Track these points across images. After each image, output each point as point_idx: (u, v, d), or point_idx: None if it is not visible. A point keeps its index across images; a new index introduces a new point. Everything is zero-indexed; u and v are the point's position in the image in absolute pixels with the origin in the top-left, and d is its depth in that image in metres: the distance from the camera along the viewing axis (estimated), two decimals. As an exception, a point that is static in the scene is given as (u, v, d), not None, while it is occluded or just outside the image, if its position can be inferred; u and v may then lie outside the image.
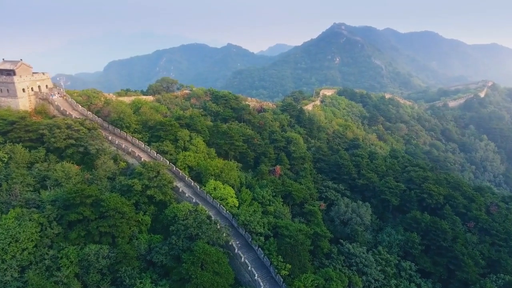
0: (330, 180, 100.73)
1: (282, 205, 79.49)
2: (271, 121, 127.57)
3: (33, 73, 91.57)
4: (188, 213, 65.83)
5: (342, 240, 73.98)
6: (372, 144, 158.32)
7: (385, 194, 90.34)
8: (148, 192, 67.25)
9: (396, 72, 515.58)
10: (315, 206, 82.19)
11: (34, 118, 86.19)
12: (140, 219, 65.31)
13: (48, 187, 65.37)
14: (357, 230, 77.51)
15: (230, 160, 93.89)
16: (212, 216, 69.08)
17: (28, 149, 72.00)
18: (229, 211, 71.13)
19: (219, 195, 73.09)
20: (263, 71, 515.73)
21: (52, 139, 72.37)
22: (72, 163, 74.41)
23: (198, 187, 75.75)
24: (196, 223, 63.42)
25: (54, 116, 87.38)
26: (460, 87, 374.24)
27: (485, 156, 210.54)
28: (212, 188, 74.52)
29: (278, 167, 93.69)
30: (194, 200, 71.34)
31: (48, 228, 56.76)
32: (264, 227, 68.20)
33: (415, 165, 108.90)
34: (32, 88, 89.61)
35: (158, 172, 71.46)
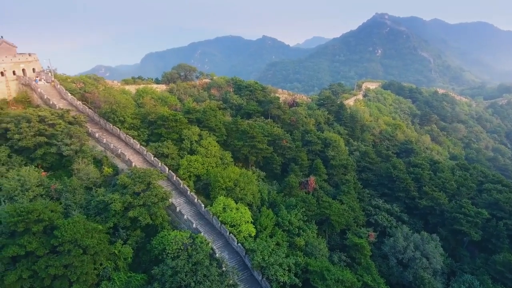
0: (380, 197, 77.33)
1: (317, 234, 58.00)
2: (305, 117, 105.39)
3: (18, 54, 76.04)
4: (182, 247, 46.38)
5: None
6: (427, 148, 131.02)
7: (460, 224, 65.64)
8: (131, 214, 48.52)
9: (446, 65, 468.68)
10: (362, 238, 59.86)
11: (13, 108, 70.82)
12: (116, 251, 46.76)
13: (1, 201, 48.45)
14: (423, 278, 54.39)
15: (250, 167, 73.54)
16: (217, 249, 49.23)
17: (-12, 147, 55.87)
18: (242, 243, 50.90)
19: (229, 219, 52.91)
20: (298, 64, 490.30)
21: (17, 136, 55.59)
22: (42, 168, 57.71)
23: (203, 206, 56.07)
24: (191, 264, 43.80)
25: (38, 106, 71.51)
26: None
27: None
28: (221, 209, 54.49)
29: (312, 178, 71.86)
30: (194, 225, 51.79)
31: (-22, 265, 39.61)
32: (290, 273, 47.28)
33: (496, 181, 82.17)
34: (14, 71, 74.20)
35: (149, 185, 52.57)
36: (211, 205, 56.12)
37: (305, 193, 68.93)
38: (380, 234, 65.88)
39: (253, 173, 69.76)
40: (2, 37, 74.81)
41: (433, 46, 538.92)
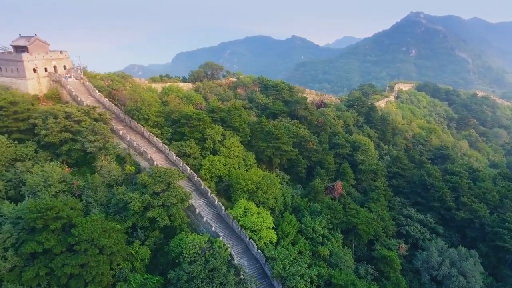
0: (412, 206, 72.25)
1: (342, 244, 54.53)
2: (333, 119, 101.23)
3: (50, 51, 77.72)
4: (199, 251, 44.64)
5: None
6: (464, 155, 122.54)
7: (503, 240, 59.66)
8: (149, 214, 47.42)
9: (487, 66, 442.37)
10: (391, 250, 55.70)
11: (44, 104, 72.39)
12: (134, 252, 45.82)
13: (26, 196, 48.94)
14: (459, 298, 49.53)
15: (274, 170, 71.00)
16: (235, 255, 47.17)
17: (16, 142, 56.93)
18: (262, 250, 48.48)
19: (250, 224, 50.61)
20: (328, 64, 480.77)
21: (43, 131, 56.23)
22: (67, 164, 58.18)
23: (223, 208, 54.17)
24: (207, 271, 41.99)
25: (67, 103, 72.69)
26: None
27: None
28: (242, 212, 52.35)
29: (338, 183, 68.15)
30: (213, 229, 49.99)
31: (-1, 259, 39.83)
32: (312, 285, 44.32)
33: (545, 193, 74.55)
34: (46, 68, 75.88)
35: (169, 185, 51.35)
36: (232, 208, 54.15)
37: (331, 199, 65.48)
38: (412, 247, 61.23)
39: (277, 176, 67.18)
40: (35, 34, 76.80)
41: (472, 46, 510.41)
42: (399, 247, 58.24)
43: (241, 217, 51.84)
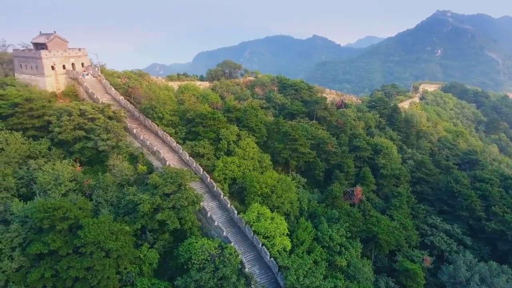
0: (438, 214, 67.79)
1: (361, 254, 51.21)
2: (354, 120, 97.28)
3: (68, 49, 77.83)
4: (209, 257, 42.55)
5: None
6: (494, 160, 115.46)
7: (540, 255, 54.67)
8: (159, 217, 45.77)
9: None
10: (414, 262, 51.89)
11: (61, 101, 72.44)
12: (142, 255, 44.26)
13: (37, 194, 48.36)
14: (490, 318, 45.31)
15: (290, 172, 68.28)
16: (247, 263, 44.86)
17: (31, 139, 56.71)
18: (275, 258, 45.93)
19: (263, 229, 48.14)
20: (349, 64, 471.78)
21: (57, 129, 55.73)
22: (80, 162, 57.53)
23: (236, 212, 51.95)
24: (216, 279, 39.86)
25: (83, 100, 72.51)
26: None
27: None
28: (255, 217, 49.96)
29: (358, 188, 64.64)
30: (224, 233, 47.86)
31: (6, 258, 39.10)
32: (327, 298, 41.37)
33: None
34: (64, 65, 75.97)
35: (180, 186, 49.60)
36: (245, 212, 51.85)
37: (350, 204, 62.17)
38: (437, 259, 57.09)
39: (293, 179, 64.48)
40: (55, 32, 77.08)
41: (503, 45, 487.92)
42: (423, 259, 54.28)
43: (254, 222, 49.47)
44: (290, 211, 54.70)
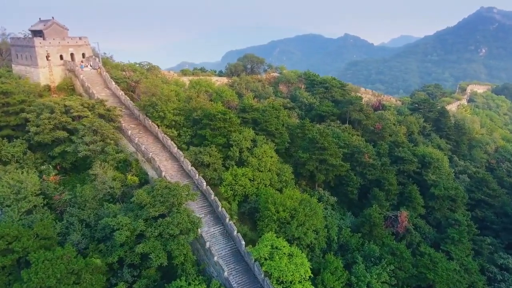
0: (506, 249, 52.52)
1: (411, 311, 37.70)
2: (393, 124, 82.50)
3: (67, 37, 69.07)
4: (200, 313, 30.83)
5: None
6: None
7: None
8: (139, 249, 34.69)
9: None
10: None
11: (54, 95, 63.64)
12: (114, 301, 33.36)
13: (-2, 209, 38.78)
14: None
15: (317, 188, 55.41)
16: (254, 320, 32.71)
17: (6, 140, 47.64)
18: (292, 314, 33.50)
19: (277, 272, 35.76)
20: (383, 63, 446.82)
21: (33, 128, 46.19)
22: (63, 169, 47.84)
23: (243, 243, 39.97)
24: None
25: (80, 95, 63.38)
26: None
27: None
28: (268, 252, 37.61)
29: (404, 213, 50.71)
30: (225, 274, 36.04)
31: None
32: None
33: None
34: (61, 55, 67.20)
35: (171, 207, 38.35)
36: (257, 240, 39.81)
37: (392, 233, 48.59)
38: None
39: (320, 198, 51.58)
40: (53, 18, 68.59)
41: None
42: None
43: (265, 259, 37.24)
44: (314, 244, 42.02)
